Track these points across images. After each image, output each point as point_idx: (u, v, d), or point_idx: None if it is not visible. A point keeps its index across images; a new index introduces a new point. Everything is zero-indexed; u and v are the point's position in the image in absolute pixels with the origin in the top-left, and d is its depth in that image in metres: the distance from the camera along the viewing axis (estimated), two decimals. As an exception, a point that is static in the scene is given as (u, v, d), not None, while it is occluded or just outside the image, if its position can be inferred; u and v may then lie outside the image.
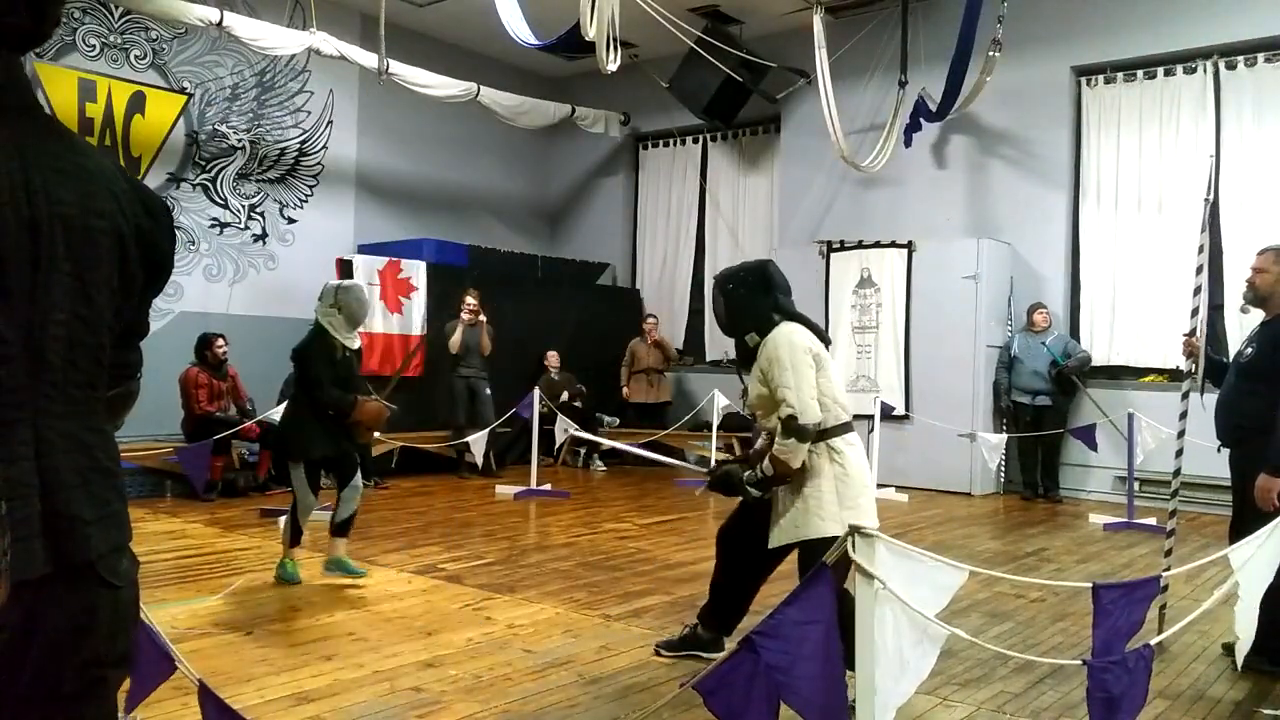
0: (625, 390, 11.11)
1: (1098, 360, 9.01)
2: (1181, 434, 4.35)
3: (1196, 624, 3.88)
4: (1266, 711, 3.52)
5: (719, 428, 9.62)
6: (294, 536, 5.23)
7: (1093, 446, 8.16)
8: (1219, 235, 8.60)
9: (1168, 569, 4.06)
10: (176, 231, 1.62)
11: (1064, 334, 9.07)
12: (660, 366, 11.18)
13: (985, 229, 9.50)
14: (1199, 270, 4.41)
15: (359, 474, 5.31)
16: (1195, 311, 4.38)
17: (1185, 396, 4.37)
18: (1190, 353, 4.33)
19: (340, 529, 5.27)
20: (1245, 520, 3.94)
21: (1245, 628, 3.04)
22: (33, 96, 1.40)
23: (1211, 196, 4.71)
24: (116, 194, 1.43)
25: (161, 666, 2.54)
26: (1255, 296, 4.09)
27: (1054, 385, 8.75)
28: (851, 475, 3.53)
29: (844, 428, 3.60)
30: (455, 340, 9.16)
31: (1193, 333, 4.33)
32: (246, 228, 9.89)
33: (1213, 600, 3.27)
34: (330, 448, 5.14)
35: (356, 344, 5.29)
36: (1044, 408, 8.79)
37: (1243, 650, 3.14)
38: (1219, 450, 4.17)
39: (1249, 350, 4.02)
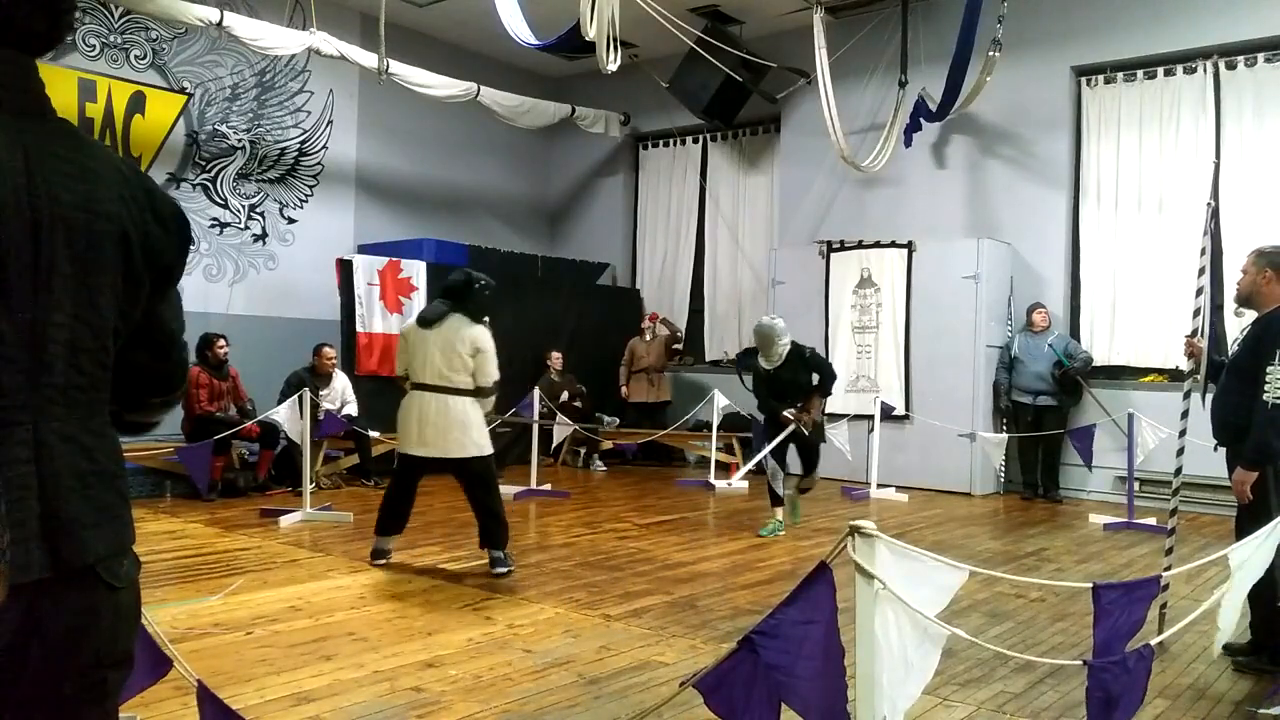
0: (625, 390, 11.10)
1: (1098, 360, 9.01)
2: (1183, 434, 4.35)
3: (1196, 624, 3.88)
4: (1263, 711, 3.52)
5: (719, 427, 9.61)
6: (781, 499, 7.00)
7: (1088, 461, 8.14)
8: (1219, 236, 8.60)
9: (1168, 569, 4.06)
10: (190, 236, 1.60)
11: (1064, 334, 9.05)
12: (660, 365, 11.18)
13: (985, 229, 9.50)
14: (1201, 272, 4.42)
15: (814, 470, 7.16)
16: (1197, 312, 4.39)
17: (1187, 396, 4.37)
18: (1192, 353, 4.34)
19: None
20: (1244, 519, 3.96)
21: (1228, 619, 3.05)
22: (45, 100, 1.40)
23: (1214, 201, 4.73)
24: (124, 197, 1.42)
25: (156, 667, 2.54)
26: (1239, 297, 4.13)
27: (1056, 386, 8.74)
28: (400, 414, 5.52)
29: (414, 386, 5.44)
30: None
31: (1194, 334, 4.34)
32: (246, 228, 9.89)
33: (1212, 600, 3.27)
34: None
35: (768, 366, 6.82)
36: (1045, 408, 8.77)
37: (1220, 640, 3.17)
38: (1215, 449, 4.18)
39: (1236, 348, 4.06)
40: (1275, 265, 3.93)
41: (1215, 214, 8.56)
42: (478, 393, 5.43)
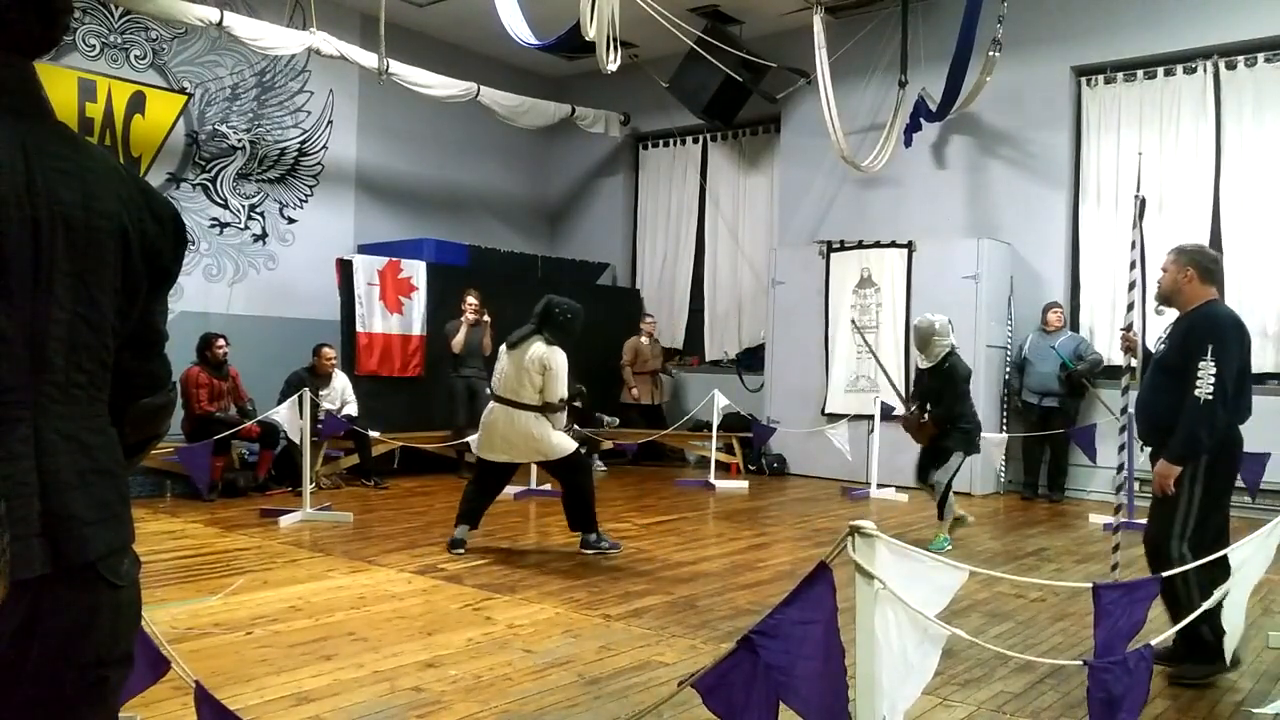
0: (634, 392, 10.98)
1: (1097, 360, 9.01)
2: (1123, 430, 4.33)
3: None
4: (1258, 711, 3.52)
5: (719, 427, 9.61)
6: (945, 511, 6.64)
7: (1093, 456, 8.14)
8: (1219, 235, 8.60)
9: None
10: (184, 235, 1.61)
11: (1077, 334, 9.01)
12: (660, 367, 11.20)
13: (985, 229, 9.50)
14: (1132, 265, 4.40)
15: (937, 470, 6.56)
16: (1131, 306, 4.39)
17: (1125, 392, 4.35)
18: (1128, 347, 4.33)
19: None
20: (1156, 511, 3.92)
21: (1234, 622, 3.04)
22: (43, 101, 1.40)
23: (1142, 194, 4.75)
24: (122, 197, 1.43)
25: (154, 667, 2.54)
26: (1160, 295, 4.12)
27: (1064, 387, 8.72)
28: (481, 422, 6.17)
29: (493, 398, 6.09)
30: (459, 340, 9.14)
31: (1129, 327, 4.33)
32: (246, 228, 9.89)
33: (1212, 600, 3.27)
34: None
35: (924, 364, 6.69)
36: (1051, 409, 8.75)
37: (1231, 644, 3.15)
38: (1142, 449, 4.17)
39: (1162, 347, 4.03)
40: (1196, 263, 3.90)
41: (1215, 212, 8.61)
42: (545, 408, 5.91)
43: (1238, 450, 3.91)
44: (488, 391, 9.32)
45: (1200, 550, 3.63)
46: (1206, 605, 3.09)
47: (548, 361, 5.89)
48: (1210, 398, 3.67)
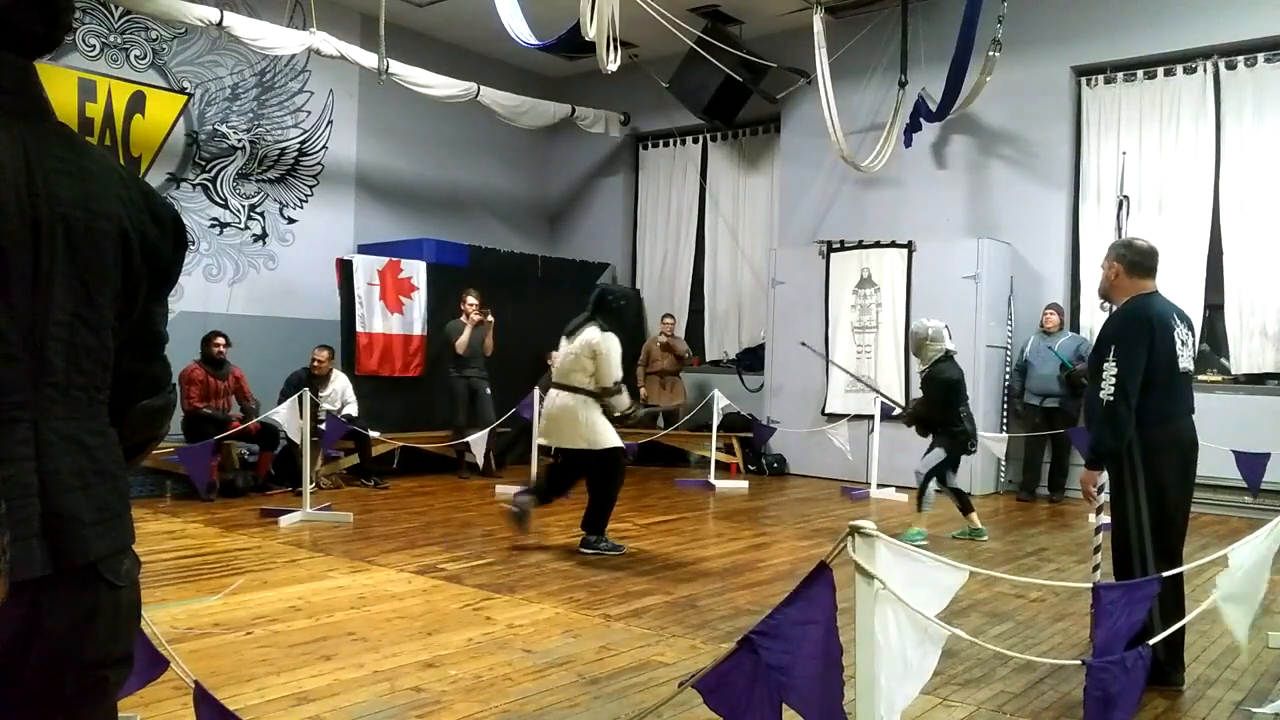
0: (644, 392, 10.96)
1: (1097, 360, 9.00)
2: None
3: (1196, 624, 3.89)
4: (1257, 710, 3.52)
5: (719, 428, 9.61)
6: (966, 505, 6.88)
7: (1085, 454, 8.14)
8: (1219, 235, 8.60)
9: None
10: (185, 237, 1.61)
11: (1078, 335, 9.00)
12: (673, 369, 11.12)
13: (985, 229, 9.50)
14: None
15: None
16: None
17: None
18: None
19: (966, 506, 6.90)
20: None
21: (1240, 626, 3.04)
22: (44, 102, 1.41)
23: (1124, 193, 4.75)
24: (122, 198, 1.43)
25: (152, 667, 2.54)
26: (1100, 292, 4.16)
27: (1064, 388, 8.73)
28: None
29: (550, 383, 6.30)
30: (463, 341, 9.14)
31: None
32: (246, 228, 9.89)
33: (1212, 600, 3.27)
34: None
35: (919, 368, 6.91)
36: (1054, 410, 8.75)
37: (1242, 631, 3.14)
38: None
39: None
40: (1122, 258, 3.88)
41: (1215, 212, 8.61)
42: (602, 393, 6.02)
43: (1174, 445, 3.76)
44: (488, 391, 9.38)
45: (1162, 561, 3.59)
46: (1205, 605, 3.09)
47: (597, 346, 5.99)
48: (1111, 399, 3.64)
